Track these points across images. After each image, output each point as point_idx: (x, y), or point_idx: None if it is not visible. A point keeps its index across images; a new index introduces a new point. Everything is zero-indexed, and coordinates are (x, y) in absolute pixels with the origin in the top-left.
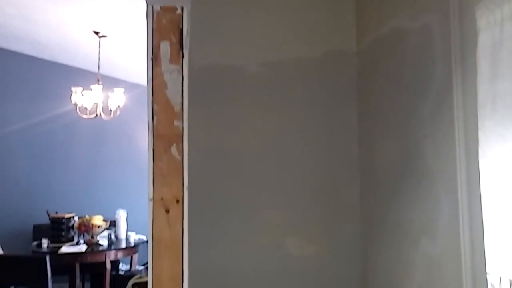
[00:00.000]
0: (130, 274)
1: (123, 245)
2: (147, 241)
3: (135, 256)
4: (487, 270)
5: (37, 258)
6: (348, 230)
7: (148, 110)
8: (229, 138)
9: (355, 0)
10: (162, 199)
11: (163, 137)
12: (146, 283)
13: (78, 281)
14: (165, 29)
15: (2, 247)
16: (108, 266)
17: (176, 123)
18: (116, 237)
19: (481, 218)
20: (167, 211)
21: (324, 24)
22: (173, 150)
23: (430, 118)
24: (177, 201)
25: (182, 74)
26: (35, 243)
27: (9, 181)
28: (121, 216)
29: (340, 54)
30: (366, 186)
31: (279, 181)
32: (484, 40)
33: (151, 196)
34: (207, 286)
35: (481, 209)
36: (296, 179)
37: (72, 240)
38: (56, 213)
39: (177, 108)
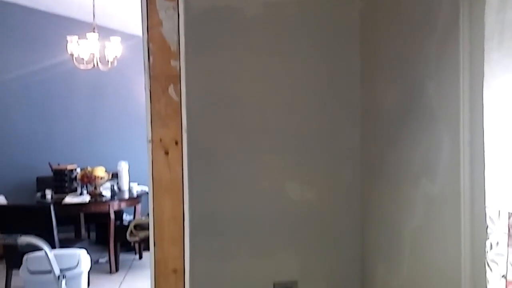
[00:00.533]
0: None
1: (126, 196)
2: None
3: (138, 207)
4: (486, 204)
5: (42, 207)
6: (349, 174)
7: (143, 50)
8: (228, 81)
9: None
10: (160, 140)
11: (160, 77)
12: (147, 224)
13: (83, 231)
14: None
15: (6, 199)
16: (112, 216)
17: (173, 63)
18: (119, 188)
19: (483, 153)
20: (166, 153)
21: None
22: (171, 91)
23: (435, 56)
24: (176, 143)
25: (178, 11)
26: (39, 194)
27: (10, 134)
28: (123, 167)
29: None
30: (367, 130)
31: (279, 126)
32: None
33: (149, 138)
34: (207, 228)
35: (483, 143)
36: (296, 124)
37: (76, 191)
38: (58, 165)
39: (173, 47)
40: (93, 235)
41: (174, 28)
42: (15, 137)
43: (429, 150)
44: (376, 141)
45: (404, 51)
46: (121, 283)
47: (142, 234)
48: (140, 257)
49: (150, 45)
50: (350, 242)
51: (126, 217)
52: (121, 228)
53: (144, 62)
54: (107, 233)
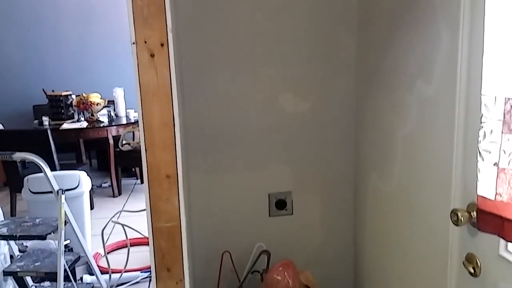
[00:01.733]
0: (133, 149)
1: (124, 121)
2: None
3: (137, 132)
4: (482, 92)
5: (39, 131)
6: (344, 84)
7: None
8: None
9: None
10: (145, 42)
11: None
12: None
13: (84, 158)
14: None
15: (4, 127)
16: (111, 141)
17: None
18: (116, 115)
19: (482, 43)
20: (152, 56)
21: None
22: None
23: None
24: (162, 45)
25: None
26: (36, 121)
27: (3, 62)
28: (119, 94)
29: None
30: (363, 37)
31: (273, 36)
32: None
33: (133, 40)
34: (201, 142)
35: (483, 31)
36: (291, 34)
37: (73, 118)
38: (53, 91)
39: None
40: (94, 162)
41: None
42: (8, 65)
43: (426, 49)
44: (372, 48)
45: None
46: (124, 205)
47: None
48: (142, 182)
49: None
50: (344, 152)
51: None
52: (121, 154)
53: None
54: (108, 159)
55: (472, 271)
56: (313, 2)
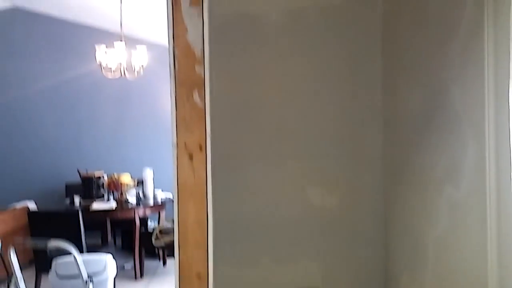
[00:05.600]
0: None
1: (151, 202)
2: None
3: (162, 213)
4: None
5: (70, 213)
6: (370, 179)
7: (169, 56)
8: (251, 87)
9: None
10: (185, 145)
11: (185, 83)
12: (171, 229)
13: (110, 237)
14: None
15: (37, 204)
16: (137, 222)
17: (197, 69)
18: (144, 195)
19: (509, 157)
20: (191, 158)
21: None
22: (195, 96)
23: (458, 59)
24: (200, 148)
25: (203, 17)
26: (67, 200)
27: (39, 142)
28: (148, 175)
29: None
30: (389, 135)
31: (301, 131)
32: None
33: (174, 142)
34: (230, 233)
35: (510, 145)
36: (318, 129)
37: (102, 197)
38: (87, 171)
39: (198, 53)
40: (118, 241)
41: (199, 35)
42: (44, 143)
43: (454, 155)
44: (398, 146)
45: (427, 55)
46: None
47: (166, 238)
48: (164, 264)
49: (176, 51)
50: (373, 249)
51: (151, 224)
52: (146, 235)
53: (170, 68)
54: (132, 239)
55: None
56: (340, 99)
